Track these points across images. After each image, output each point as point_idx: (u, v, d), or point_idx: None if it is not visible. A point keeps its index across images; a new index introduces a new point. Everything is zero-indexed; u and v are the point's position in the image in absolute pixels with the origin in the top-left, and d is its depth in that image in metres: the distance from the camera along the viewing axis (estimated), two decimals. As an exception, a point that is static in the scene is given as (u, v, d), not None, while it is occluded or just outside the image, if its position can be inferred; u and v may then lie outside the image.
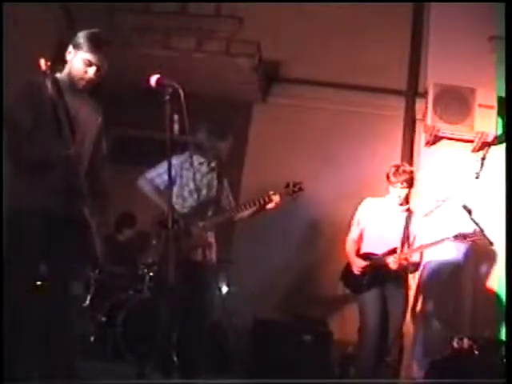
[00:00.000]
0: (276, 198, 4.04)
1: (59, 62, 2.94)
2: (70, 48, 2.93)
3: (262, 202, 4.04)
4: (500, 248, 4.60)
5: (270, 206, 4.06)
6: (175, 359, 3.94)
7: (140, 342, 4.25)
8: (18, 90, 2.84)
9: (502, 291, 5.00)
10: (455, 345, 4.26)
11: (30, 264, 2.78)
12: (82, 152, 2.93)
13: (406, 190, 4.28)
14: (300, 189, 4.13)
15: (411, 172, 4.33)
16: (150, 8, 6.10)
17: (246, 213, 4.10)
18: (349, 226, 4.47)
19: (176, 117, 2.83)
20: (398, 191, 4.26)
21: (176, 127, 2.83)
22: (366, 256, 4.28)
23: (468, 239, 4.12)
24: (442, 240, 4.19)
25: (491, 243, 4.30)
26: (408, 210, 4.40)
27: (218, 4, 6.18)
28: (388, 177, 4.29)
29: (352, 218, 4.45)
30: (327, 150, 5.84)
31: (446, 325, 4.90)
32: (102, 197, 3.02)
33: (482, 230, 4.17)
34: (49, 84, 2.73)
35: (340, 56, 6.04)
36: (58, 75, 2.89)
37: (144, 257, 5.12)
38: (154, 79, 2.87)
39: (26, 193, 2.78)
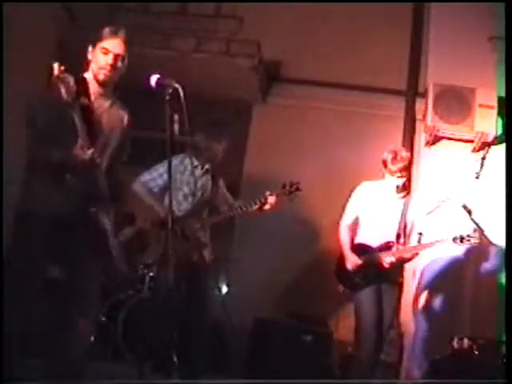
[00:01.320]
0: (272, 199, 4.05)
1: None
2: (90, 48, 2.93)
3: (258, 203, 4.05)
4: (500, 248, 4.61)
5: (266, 207, 4.07)
6: (175, 359, 3.94)
7: (140, 342, 4.25)
8: (39, 90, 2.82)
9: (502, 291, 5.00)
10: (455, 345, 4.25)
11: (39, 266, 2.77)
12: (104, 156, 2.90)
13: (404, 179, 4.21)
14: (297, 189, 4.14)
15: (408, 158, 4.24)
16: (149, 8, 6.10)
17: (241, 213, 4.13)
18: (343, 209, 4.39)
19: (176, 117, 2.83)
20: (395, 180, 4.18)
21: (176, 127, 2.83)
22: (361, 247, 4.20)
23: (465, 242, 4.09)
24: (440, 241, 4.16)
25: (491, 243, 4.30)
26: (406, 195, 4.31)
27: (217, 4, 6.17)
28: (385, 164, 4.20)
29: (348, 200, 4.40)
30: (327, 149, 5.84)
31: (446, 324, 4.90)
32: (119, 201, 3.02)
33: (482, 230, 4.16)
34: (62, 88, 2.68)
35: (340, 56, 6.04)
36: (86, 75, 2.88)
37: (144, 257, 5.11)
38: (153, 79, 2.87)
39: (40, 195, 2.78)
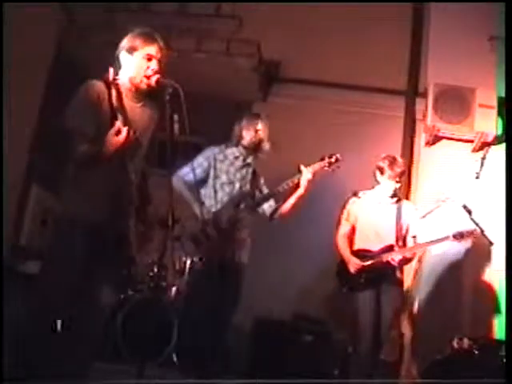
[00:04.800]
0: (307, 173, 3.95)
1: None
2: (124, 52, 2.89)
3: (295, 180, 3.97)
4: (500, 248, 4.60)
5: (303, 179, 3.95)
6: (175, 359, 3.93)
7: (140, 343, 4.24)
8: (77, 97, 2.78)
9: (501, 291, 5.00)
10: (455, 345, 4.26)
11: (70, 270, 2.75)
12: (136, 158, 2.89)
13: (400, 184, 4.34)
14: (337, 159, 4.05)
15: (405, 164, 4.42)
16: (149, 8, 6.09)
17: (285, 206, 4.02)
18: (338, 221, 4.45)
19: (176, 117, 2.83)
20: (393, 184, 4.27)
21: (176, 127, 2.83)
22: (361, 253, 4.25)
23: (466, 238, 4.11)
24: (442, 239, 4.18)
25: (491, 243, 4.31)
26: (398, 200, 4.38)
27: (218, 4, 6.17)
28: (382, 170, 4.28)
29: (341, 212, 4.44)
30: (327, 149, 5.81)
31: (446, 324, 4.90)
32: (147, 208, 3.02)
33: (482, 230, 4.17)
34: (113, 93, 2.67)
35: (340, 56, 6.04)
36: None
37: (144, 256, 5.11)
38: (154, 79, 2.87)
39: (78, 202, 2.78)
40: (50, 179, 5.10)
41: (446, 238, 4.14)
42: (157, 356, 4.52)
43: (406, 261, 4.30)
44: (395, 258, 4.11)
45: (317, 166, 4.03)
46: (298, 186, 3.98)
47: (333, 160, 4.05)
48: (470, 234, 4.11)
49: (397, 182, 4.26)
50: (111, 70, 2.65)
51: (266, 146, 4.06)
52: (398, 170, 4.24)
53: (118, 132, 2.65)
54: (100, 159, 2.72)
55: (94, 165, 2.74)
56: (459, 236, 4.10)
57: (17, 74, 4.58)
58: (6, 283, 3.81)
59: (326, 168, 4.04)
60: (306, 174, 3.97)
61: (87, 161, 2.74)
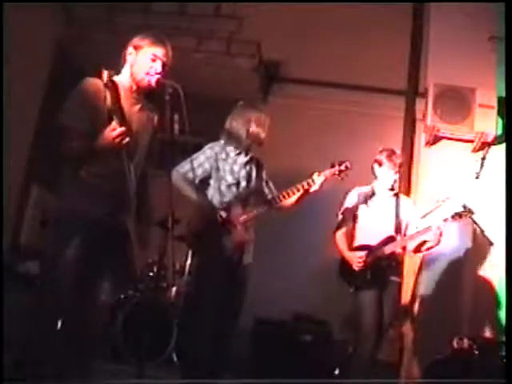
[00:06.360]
0: (319, 179, 3.87)
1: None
2: (131, 49, 2.90)
3: (305, 185, 3.87)
4: (500, 248, 4.61)
5: (314, 188, 3.86)
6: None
7: (140, 343, 4.25)
8: (74, 94, 2.78)
9: (501, 291, 5.00)
10: (455, 345, 4.26)
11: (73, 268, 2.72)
12: (136, 158, 2.88)
13: (398, 175, 4.32)
14: (346, 167, 3.95)
15: (402, 156, 4.43)
16: (149, 8, 6.10)
17: (288, 200, 3.90)
18: (342, 219, 4.38)
19: (176, 117, 2.82)
20: (391, 175, 4.24)
21: (176, 127, 2.83)
22: (362, 249, 4.18)
23: (464, 217, 4.07)
24: (443, 222, 4.10)
25: (491, 243, 4.31)
26: (396, 195, 4.35)
27: (217, 4, 6.18)
28: (380, 162, 4.25)
29: (339, 210, 4.41)
30: (327, 149, 5.83)
31: (446, 324, 4.90)
32: (147, 207, 3.01)
33: (482, 231, 4.17)
34: (108, 95, 2.68)
35: (340, 56, 6.04)
36: (115, 78, 2.80)
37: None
38: (154, 79, 2.88)
39: (77, 198, 2.76)
40: (49, 179, 5.10)
41: (445, 220, 4.06)
42: (157, 356, 4.53)
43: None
44: (395, 247, 4.09)
45: (328, 172, 3.94)
46: (306, 191, 3.89)
47: (343, 168, 3.96)
48: (468, 212, 4.07)
49: (396, 172, 4.23)
50: (105, 73, 2.64)
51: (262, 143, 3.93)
52: (397, 160, 4.23)
53: (114, 130, 2.66)
54: (92, 154, 2.72)
55: (86, 160, 2.74)
56: (457, 216, 4.07)
57: (17, 73, 4.59)
58: (5, 283, 3.81)
59: (335, 175, 3.96)
60: (319, 180, 3.88)
61: (79, 156, 2.74)
